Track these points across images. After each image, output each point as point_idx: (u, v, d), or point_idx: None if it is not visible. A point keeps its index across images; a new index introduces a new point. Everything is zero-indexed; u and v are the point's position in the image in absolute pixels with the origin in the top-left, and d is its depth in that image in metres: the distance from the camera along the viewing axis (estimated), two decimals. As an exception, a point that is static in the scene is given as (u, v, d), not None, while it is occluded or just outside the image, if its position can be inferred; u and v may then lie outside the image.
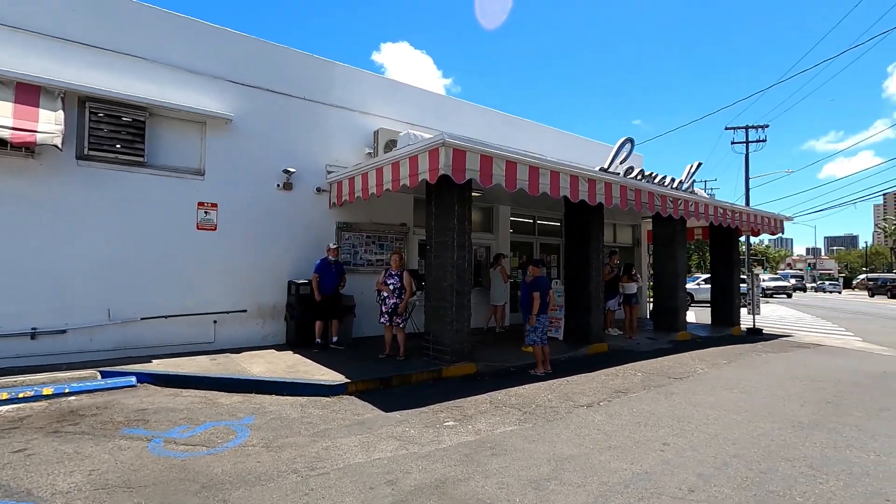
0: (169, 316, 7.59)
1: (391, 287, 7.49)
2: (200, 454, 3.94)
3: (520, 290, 8.81)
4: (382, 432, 4.51)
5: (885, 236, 75.60)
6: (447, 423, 4.81)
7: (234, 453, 3.97)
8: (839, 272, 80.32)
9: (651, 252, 13.56)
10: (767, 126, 28.65)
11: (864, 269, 74.07)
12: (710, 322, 13.90)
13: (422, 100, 11.19)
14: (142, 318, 7.39)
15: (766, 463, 3.93)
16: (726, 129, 29.41)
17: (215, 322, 8.02)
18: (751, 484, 3.53)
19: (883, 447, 4.35)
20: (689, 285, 22.83)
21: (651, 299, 13.53)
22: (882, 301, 33.84)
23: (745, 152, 28.74)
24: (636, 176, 10.12)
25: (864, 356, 9.63)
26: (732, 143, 29.19)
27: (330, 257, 8.21)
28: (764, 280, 33.92)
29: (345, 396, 5.76)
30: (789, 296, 35.57)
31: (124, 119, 7.29)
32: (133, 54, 7.51)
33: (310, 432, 4.49)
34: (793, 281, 46.93)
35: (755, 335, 12.35)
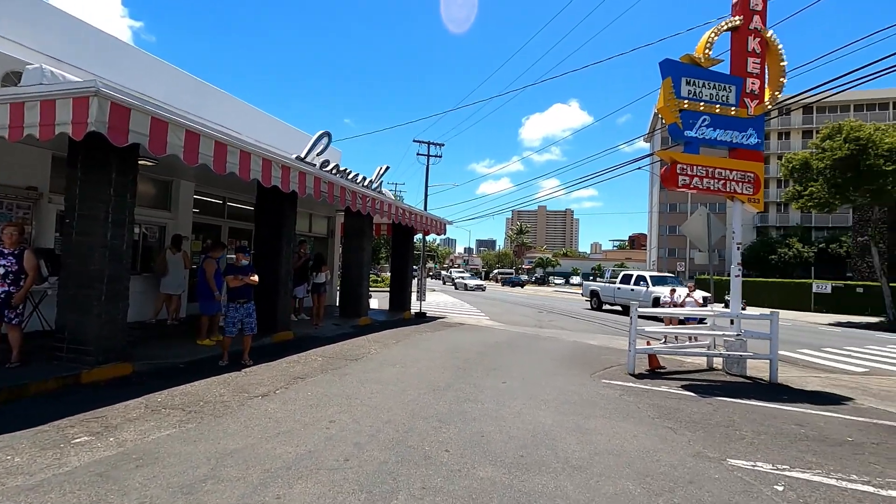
0: None
1: (1, 271, 5.54)
2: None
3: (198, 278, 7.99)
4: (-38, 469, 3.28)
5: (510, 241, 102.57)
6: (77, 440, 3.88)
7: None
8: (482, 267, 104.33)
9: (342, 243, 14.41)
10: (444, 145, 34.64)
11: (497, 265, 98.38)
12: (388, 308, 15.80)
13: (79, 32, 8.69)
14: None
15: (409, 423, 4.71)
16: (414, 140, 34.04)
17: None
18: (396, 444, 4.17)
19: (487, 397, 5.84)
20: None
21: (339, 288, 14.39)
22: (503, 289, 46.20)
23: (426, 164, 33.93)
24: (332, 170, 10.55)
25: (489, 331, 12.78)
26: (418, 154, 34.03)
27: None
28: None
29: None
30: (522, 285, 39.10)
31: None
32: None
33: None
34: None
35: (421, 318, 14.73)
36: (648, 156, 19.58)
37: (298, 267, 10.98)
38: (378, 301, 19.97)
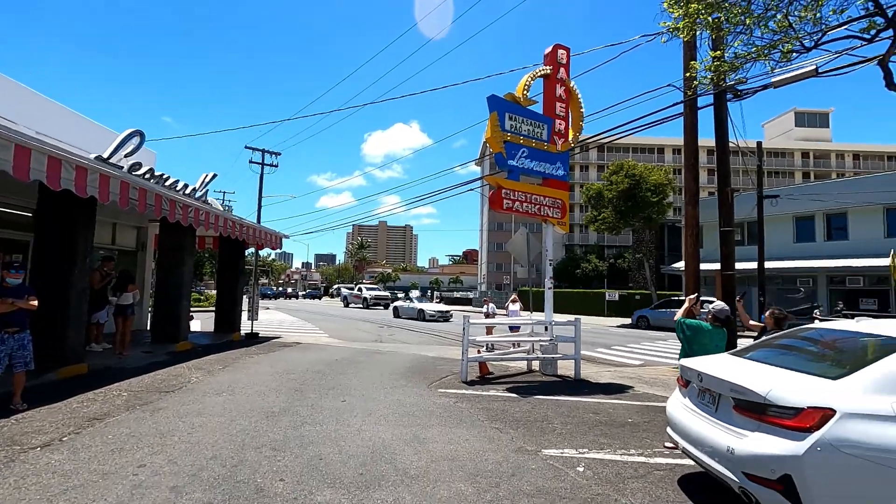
0: None
1: None
2: None
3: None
4: None
5: (350, 256, 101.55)
6: None
7: None
8: (322, 282, 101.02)
9: (157, 258, 12.63)
10: (280, 154, 32.84)
11: (338, 280, 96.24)
12: (214, 329, 14.26)
13: None
14: None
15: (238, 456, 4.33)
16: (246, 147, 31.62)
17: None
18: (223, 480, 3.79)
19: (325, 419, 5.68)
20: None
21: (152, 309, 12.54)
22: (324, 304, 45.24)
23: (260, 172, 31.74)
24: (145, 174, 9.25)
25: (328, 349, 12.41)
26: (250, 161, 31.66)
27: None
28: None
29: None
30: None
31: None
32: None
33: None
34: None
35: (252, 339, 13.60)
36: (479, 179, 21.47)
37: (101, 287, 9.28)
38: (201, 322, 17.90)
